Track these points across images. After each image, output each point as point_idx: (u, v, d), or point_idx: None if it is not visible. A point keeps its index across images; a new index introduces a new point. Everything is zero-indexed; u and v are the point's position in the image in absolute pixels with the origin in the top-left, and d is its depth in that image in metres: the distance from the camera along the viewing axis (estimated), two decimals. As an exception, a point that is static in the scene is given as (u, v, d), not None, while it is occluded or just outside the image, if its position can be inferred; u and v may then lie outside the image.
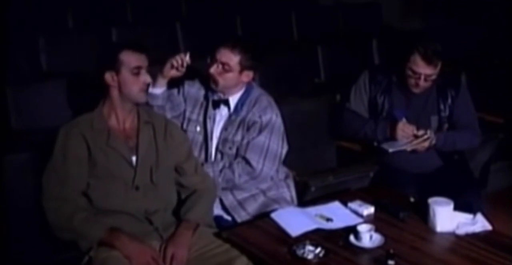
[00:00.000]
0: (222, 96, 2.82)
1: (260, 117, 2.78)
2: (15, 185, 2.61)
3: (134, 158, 2.45)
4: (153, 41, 4.68)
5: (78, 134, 2.40)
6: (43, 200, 2.37)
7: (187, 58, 2.75)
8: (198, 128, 2.85)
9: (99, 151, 2.40)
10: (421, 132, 3.03)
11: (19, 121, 3.36)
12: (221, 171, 2.76)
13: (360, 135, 3.22)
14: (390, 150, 3.02)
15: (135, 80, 2.42)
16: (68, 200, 2.36)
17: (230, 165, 2.77)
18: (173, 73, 2.77)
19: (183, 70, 2.76)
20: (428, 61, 2.96)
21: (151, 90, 2.76)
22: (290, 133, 2.97)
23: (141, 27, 4.91)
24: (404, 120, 3.07)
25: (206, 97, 2.87)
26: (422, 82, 3.03)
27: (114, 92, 2.44)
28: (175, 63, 2.74)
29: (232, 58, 2.73)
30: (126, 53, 2.41)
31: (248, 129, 2.79)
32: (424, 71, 2.99)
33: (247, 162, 2.75)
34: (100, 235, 2.34)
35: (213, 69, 2.74)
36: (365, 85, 3.23)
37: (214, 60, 2.75)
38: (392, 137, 3.08)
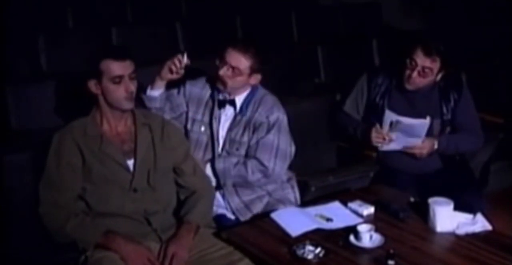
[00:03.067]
0: (228, 96, 2.78)
1: (267, 117, 2.75)
2: (15, 185, 2.61)
3: (130, 162, 2.44)
4: (153, 41, 4.69)
5: (71, 141, 2.39)
6: (39, 206, 2.37)
7: (185, 59, 2.67)
8: (203, 128, 2.81)
9: (93, 157, 2.39)
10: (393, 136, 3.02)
11: (19, 121, 3.36)
12: (235, 165, 2.73)
13: (349, 135, 3.23)
14: (383, 147, 3.04)
15: (117, 89, 2.38)
16: (63, 207, 2.36)
17: (244, 162, 2.74)
18: (171, 76, 2.72)
19: (182, 72, 2.70)
20: (428, 52, 2.95)
21: (149, 92, 2.75)
22: (290, 133, 2.96)
23: (141, 27, 4.91)
24: (377, 126, 3.05)
25: (212, 97, 2.82)
26: (415, 74, 2.98)
27: (101, 99, 2.43)
28: (173, 68, 2.68)
29: (243, 62, 2.67)
30: (106, 62, 2.37)
31: (254, 130, 2.76)
32: (421, 62, 2.96)
33: (259, 161, 2.73)
34: (96, 239, 2.35)
35: (222, 72, 2.68)
36: (363, 88, 3.22)
37: (223, 62, 2.68)
38: (369, 141, 3.07)
